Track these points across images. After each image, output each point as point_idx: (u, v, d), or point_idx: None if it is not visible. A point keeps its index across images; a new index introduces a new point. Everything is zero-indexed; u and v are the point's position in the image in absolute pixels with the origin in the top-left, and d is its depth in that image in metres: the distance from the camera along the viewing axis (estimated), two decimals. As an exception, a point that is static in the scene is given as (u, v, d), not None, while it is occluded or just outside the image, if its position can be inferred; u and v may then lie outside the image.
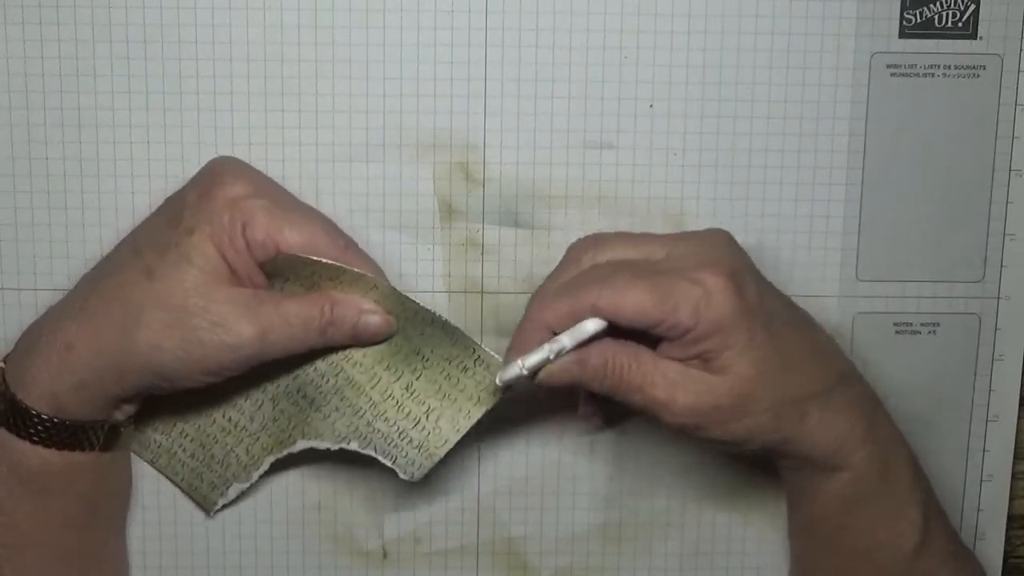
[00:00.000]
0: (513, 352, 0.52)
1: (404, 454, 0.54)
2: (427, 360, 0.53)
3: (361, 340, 0.53)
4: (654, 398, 0.50)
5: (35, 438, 0.51)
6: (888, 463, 0.53)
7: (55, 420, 0.51)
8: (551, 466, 0.60)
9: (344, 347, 0.53)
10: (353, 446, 0.54)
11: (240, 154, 0.56)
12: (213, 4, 0.55)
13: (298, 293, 0.52)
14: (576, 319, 0.51)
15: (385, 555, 0.60)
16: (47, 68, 0.56)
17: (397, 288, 0.52)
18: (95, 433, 0.52)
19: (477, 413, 0.53)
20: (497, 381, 0.51)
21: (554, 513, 0.60)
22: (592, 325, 0.50)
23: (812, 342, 0.53)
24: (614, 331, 0.51)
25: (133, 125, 0.56)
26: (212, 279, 0.50)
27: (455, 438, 0.53)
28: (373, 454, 0.54)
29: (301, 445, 0.55)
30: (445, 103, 0.56)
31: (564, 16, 0.56)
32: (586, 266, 0.53)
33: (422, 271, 0.58)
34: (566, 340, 0.50)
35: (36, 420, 0.50)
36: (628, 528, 0.60)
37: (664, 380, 0.50)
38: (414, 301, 0.52)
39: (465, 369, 0.53)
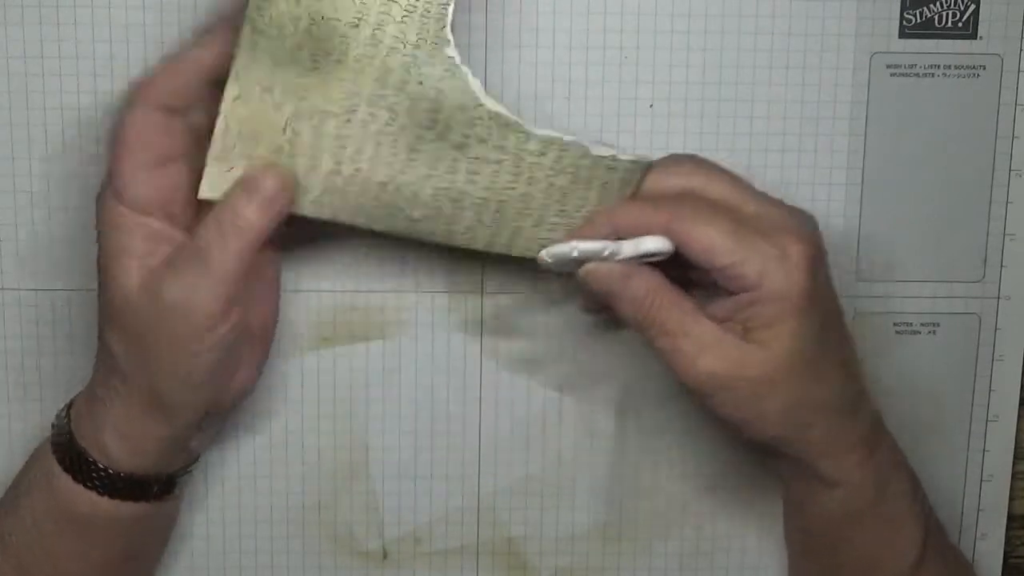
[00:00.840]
0: (572, 236, 0.50)
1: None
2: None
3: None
4: (679, 349, 0.49)
5: (96, 488, 0.50)
6: (886, 485, 0.53)
7: (112, 472, 0.50)
8: (551, 466, 0.60)
9: None
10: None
11: (240, 154, 0.56)
12: (213, 4, 0.55)
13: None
14: (644, 231, 0.49)
15: (385, 555, 0.60)
16: (47, 68, 0.56)
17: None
18: (151, 485, 0.52)
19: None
20: (544, 255, 0.50)
21: (554, 513, 0.60)
22: (654, 243, 0.49)
23: (844, 359, 0.52)
24: (676, 278, 0.49)
25: (133, 125, 0.56)
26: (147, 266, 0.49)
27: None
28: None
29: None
30: (445, 103, 0.56)
31: (564, 16, 0.56)
32: (680, 184, 0.51)
33: (422, 271, 0.58)
34: (626, 247, 0.49)
35: (96, 470, 0.50)
36: (628, 528, 0.60)
37: (697, 337, 0.49)
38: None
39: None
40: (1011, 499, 0.61)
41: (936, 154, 0.58)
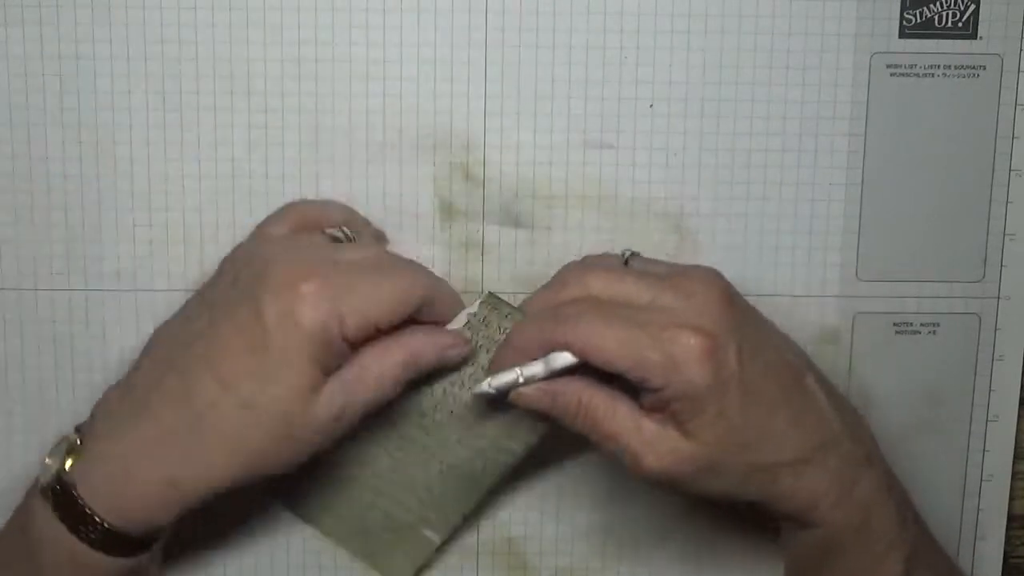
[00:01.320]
0: (492, 367, 0.52)
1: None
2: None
3: (449, 366, 0.53)
4: (625, 451, 0.50)
5: (91, 542, 0.50)
6: (868, 519, 0.53)
7: (109, 527, 0.49)
8: (551, 466, 0.60)
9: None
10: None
11: (240, 154, 0.56)
12: (213, 4, 0.55)
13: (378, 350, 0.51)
14: (547, 350, 0.50)
15: (385, 555, 0.60)
16: (47, 68, 0.56)
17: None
18: (148, 541, 0.51)
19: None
20: (476, 392, 0.52)
21: (554, 513, 0.60)
22: (561, 360, 0.50)
23: (795, 412, 0.51)
24: (604, 373, 0.50)
25: (133, 125, 0.56)
26: (311, 393, 0.49)
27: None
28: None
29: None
30: (445, 103, 0.56)
31: (564, 16, 0.56)
32: (573, 294, 0.52)
33: (422, 271, 0.58)
34: (538, 368, 0.50)
35: (94, 525, 0.49)
36: (628, 528, 0.60)
37: (639, 436, 0.50)
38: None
39: None
40: (1011, 499, 0.61)
41: (936, 154, 0.58)
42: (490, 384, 0.51)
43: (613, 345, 0.49)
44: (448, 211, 0.57)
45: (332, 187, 0.57)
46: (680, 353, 0.48)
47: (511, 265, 0.57)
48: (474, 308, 0.54)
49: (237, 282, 0.51)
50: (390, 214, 0.57)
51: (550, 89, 0.56)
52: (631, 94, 0.57)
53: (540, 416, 0.52)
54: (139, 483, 0.49)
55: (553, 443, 0.59)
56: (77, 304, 0.57)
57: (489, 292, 0.54)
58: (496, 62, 0.56)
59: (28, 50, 0.55)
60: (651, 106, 0.57)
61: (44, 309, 0.57)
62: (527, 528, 0.60)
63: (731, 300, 0.51)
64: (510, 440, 0.54)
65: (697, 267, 0.53)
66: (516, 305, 0.54)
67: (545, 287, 0.54)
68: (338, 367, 0.50)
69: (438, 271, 0.57)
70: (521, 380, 0.51)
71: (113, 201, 0.57)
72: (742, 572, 0.61)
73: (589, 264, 0.54)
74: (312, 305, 0.48)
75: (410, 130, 0.57)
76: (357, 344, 0.50)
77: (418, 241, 0.57)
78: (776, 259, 0.58)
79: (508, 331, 0.53)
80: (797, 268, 0.58)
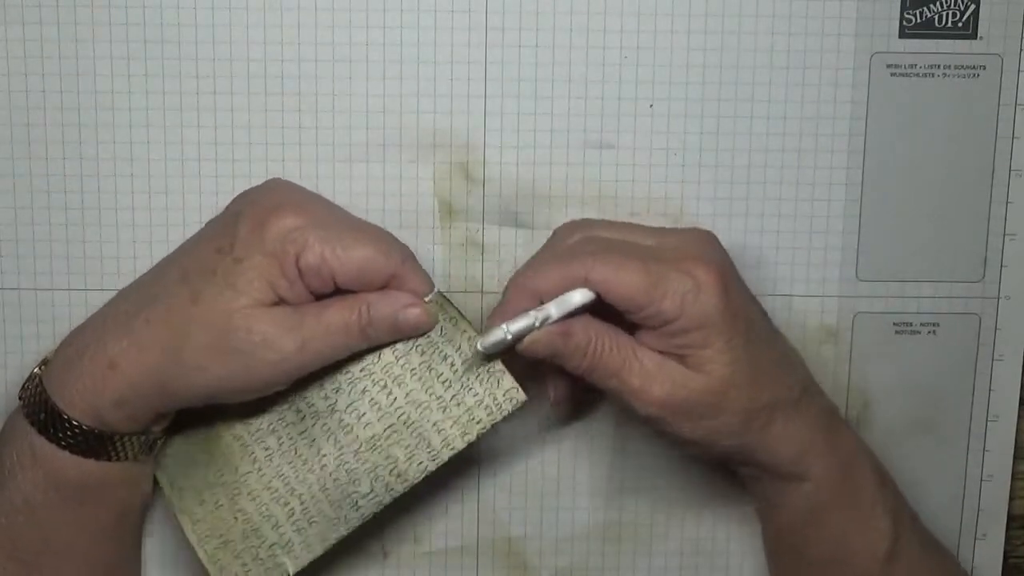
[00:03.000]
0: (497, 317, 0.51)
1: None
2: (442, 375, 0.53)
3: (403, 333, 0.53)
4: (629, 385, 0.51)
5: (73, 447, 0.51)
6: (850, 473, 0.54)
7: (94, 430, 0.51)
8: (551, 466, 0.60)
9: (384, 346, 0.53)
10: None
11: (240, 154, 0.56)
12: (213, 4, 0.55)
13: (339, 299, 0.52)
14: (565, 288, 0.50)
15: (385, 555, 0.60)
16: (47, 68, 0.56)
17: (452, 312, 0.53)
18: (131, 444, 0.52)
19: (474, 431, 0.53)
20: (479, 346, 0.51)
21: (554, 513, 0.60)
22: (580, 296, 0.50)
23: (781, 353, 0.54)
24: (594, 312, 0.51)
25: (133, 125, 0.56)
26: (255, 304, 0.50)
27: (445, 456, 0.53)
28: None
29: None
30: (445, 103, 0.56)
31: (564, 16, 0.56)
32: (577, 240, 0.53)
33: (422, 271, 0.58)
34: (552, 309, 0.50)
35: (75, 430, 0.51)
36: (628, 528, 0.60)
37: (641, 369, 0.51)
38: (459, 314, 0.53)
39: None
40: (1011, 499, 0.61)
41: (936, 154, 0.58)
42: (507, 330, 0.50)
43: (632, 277, 0.50)
44: (448, 211, 0.57)
45: (332, 187, 0.57)
46: (696, 283, 0.50)
47: (511, 265, 0.57)
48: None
49: (234, 201, 0.54)
50: (390, 214, 0.57)
51: (550, 89, 0.56)
52: (631, 94, 0.57)
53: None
54: (85, 362, 0.51)
55: (553, 443, 0.59)
56: (77, 304, 0.57)
57: (438, 291, 0.53)
58: (496, 62, 0.56)
59: (28, 50, 0.55)
60: (651, 106, 0.57)
61: (44, 309, 0.57)
62: (527, 528, 0.60)
63: (722, 246, 0.54)
64: (408, 463, 0.53)
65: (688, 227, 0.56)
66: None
67: (544, 246, 0.55)
68: (290, 300, 0.50)
69: (438, 271, 0.57)
70: (537, 324, 0.50)
71: (113, 201, 0.57)
72: (742, 572, 0.61)
73: (586, 220, 0.55)
74: (281, 219, 0.50)
75: (410, 130, 0.57)
76: (311, 286, 0.51)
77: (418, 241, 0.57)
78: (776, 259, 0.58)
79: (449, 335, 0.53)
80: (797, 268, 0.58)
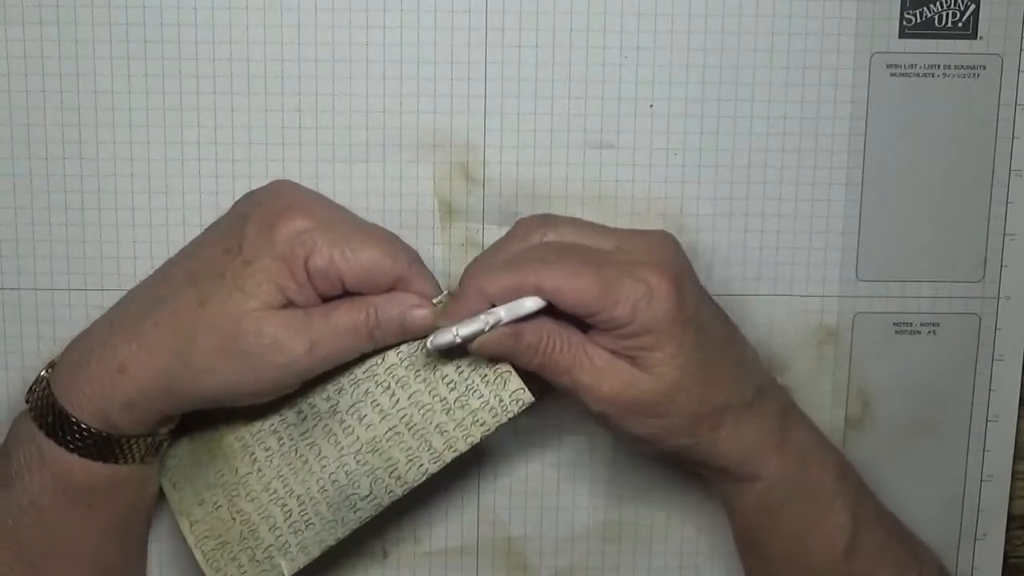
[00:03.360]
0: (448, 318, 0.52)
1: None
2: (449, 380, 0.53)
3: (410, 335, 0.53)
4: (580, 382, 0.51)
5: (81, 450, 0.51)
6: (806, 471, 0.54)
7: (101, 433, 0.51)
8: (551, 466, 0.60)
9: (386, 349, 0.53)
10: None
11: (240, 154, 0.56)
12: (213, 4, 0.55)
13: (347, 301, 0.52)
14: (517, 295, 0.51)
15: (385, 555, 0.60)
16: (47, 68, 0.56)
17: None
18: (139, 446, 0.52)
19: (476, 434, 0.53)
20: (428, 345, 0.51)
21: (554, 513, 0.60)
22: (531, 303, 0.51)
23: (737, 356, 0.54)
24: (549, 311, 0.51)
25: (133, 125, 0.56)
26: (265, 307, 0.50)
27: (447, 458, 0.53)
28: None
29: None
30: (445, 103, 0.56)
31: (564, 16, 0.56)
32: (534, 243, 0.53)
33: (422, 271, 0.58)
34: (503, 313, 0.51)
35: (83, 432, 0.51)
36: (628, 528, 0.60)
37: (591, 366, 0.51)
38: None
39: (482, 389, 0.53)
40: (1011, 499, 0.61)
41: (936, 154, 0.58)
42: (456, 333, 0.51)
43: (584, 284, 0.50)
44: (448, 211, 0.57)
45: (332, 187, 0.57)
46: (648, 289, 0.50)
47: (511, 265, 0.57)
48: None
49: (240, 202, 0.54)
50: (390, 214, 0.57)
51: (550, 89, 0.56)
52: (631, 94, 0.57)
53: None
54: (93, 365, 0.51)
55: (553, 443, 0.59)
56: (77, 304, 0.57)
57: (447, 293, 0.53)
58: (496, 62, 0.56)
59: (28, 50, 0.55)
60: (651, 106, 0.57)
61: (44, 309, 0.57)
62: (527, 528, 0.60)
63: (682, 249, 0.54)
64: (409, 465, 0.53)
65: (649, 229, 0.55)
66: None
67: (502, 239, 0.54)
68: (299, 303, 0.51)
69: (438, 271, 0.57)
70: (487, 329, 0.51)
71: (113, 201, 0.57)
72: (741, 573, 0.60)
73: (548, 217, 0.55)
74: (289, 221, 0.51)
75: (410, 130, 0.57)
76: (319, 288, 0.51)
77: (418, 241, 0.57)
78: (776, 259, 0.58)
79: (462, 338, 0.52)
80: (797, 268, 0.58)
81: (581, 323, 0.52)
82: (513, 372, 0.52)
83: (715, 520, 0.60)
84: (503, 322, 0.51)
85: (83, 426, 0.51)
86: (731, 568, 0.60)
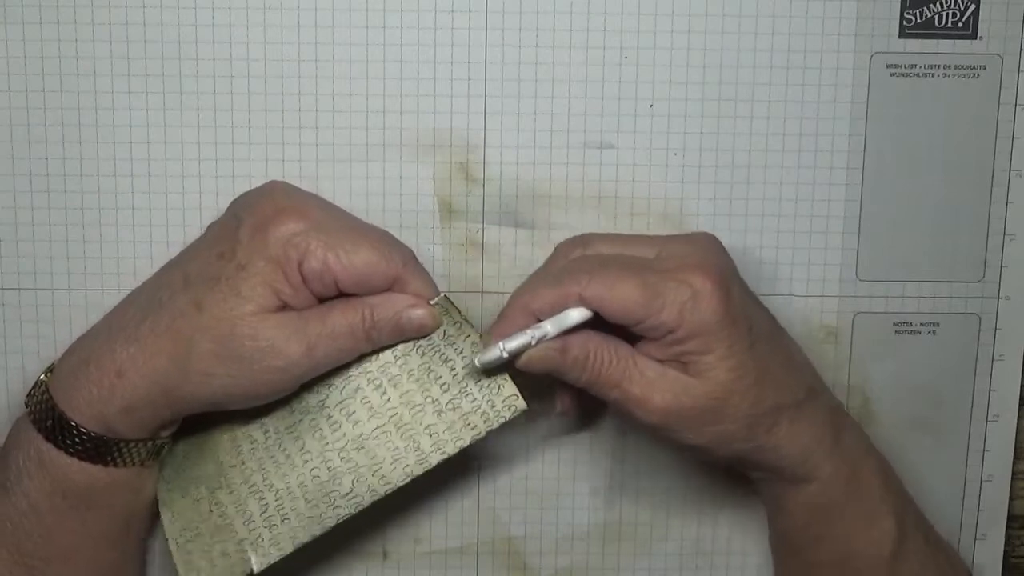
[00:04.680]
0: (495, 335, 0.51)
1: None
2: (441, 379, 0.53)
3: (406, 335, 0.53)
4: (630, 395, 0.51)
5: (80, 453, 0.51)
6: (856, 474, 0.54)
7: (100, 437, 0.51)
8: (551, 466, 0.60)
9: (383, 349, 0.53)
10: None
11: (240, 154, 0.56)
12: (213, 4, 0.55)
13: (342, 302, 0.52)
14: (561, 307, 0.51)
15: (385, 555, 0.60)
16: (47, 68, 0.56)
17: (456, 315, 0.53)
18: (138, 450, 0.52)
19: (468, 436, 0.53)
20: (476, 363, 0.51)
21: (554, 513, 0.60)
22: (576, 314, 0.50)
23: (787, 354, 0.54)
24: (594, 324, 0.51)
25: (133, 125, 0.56)
26: (260, 310, 0.50)
27: (438, 458, 0.53)
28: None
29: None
30: (445, 103, 0.56)
31: (564, 16, 0.56)
32: (575, 258, 0.54)
33: (422, 271, 0.58)
34: (549, 327, 0.50)
35: (82, 436, 0.51)
36: (628, 528, 0.60)
37: (642, 378, 0.51)
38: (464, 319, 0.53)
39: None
40: (1011, 499, 0.61)
41: (936, 154, 0.58)
42: (503, 348, 0.50)
43: (629, 293, 0.50)
44: (448, 211, 0.57)
45: (332, 187, 0.57)
46: (693, 291, 0.50)
47: (511, 265, 0.57)
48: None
49: (234, 205, 0.54)
50: (390, 214, 0.57)
51: (550, 89, 0.56)
52: (631, 94, 0.57)
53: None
54: (92, 370, 0.51)
55: (553, 443, 0.59)
56: (77, 304, 0.57)
57: (444, 294, 0.53)
58: (496, 62, 0.56)
59: (28, 50, 0.55)
60: (651, 106, 0.57)
61: (44, 309, 0.57)
62: (527, 528, 0.60)
63: (724, 249, 0.54)
64: (394, 465, 0.52)
65: (690, 232, 0.56)
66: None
67: (545, 264, 0.55)
68: (294, 305, 0.51)
69: (438, 271, 0.57)
70: (533, 343, 0.50)
71: (113, 201, 0.57)
72: (742, 572, 0.61)
73: (587, 235, 0.55)
74: (282, 224, 0.51)
75: (410, 130, 0.57)
76: (314, 290, 0.51)
77: (418, 241, 0.57)
78: (776, 259, 0.58)
79: (451, 338, 0.52)
80: (797, 268, 0.58)
81: (629, 337, 0.51)
82: (508, 378, 0.52)
83: (715, 520, 0.60)
84: (550, 336, 0.50)
85: (82, 430, 0.51)
86: (731, 568, 0.61)
